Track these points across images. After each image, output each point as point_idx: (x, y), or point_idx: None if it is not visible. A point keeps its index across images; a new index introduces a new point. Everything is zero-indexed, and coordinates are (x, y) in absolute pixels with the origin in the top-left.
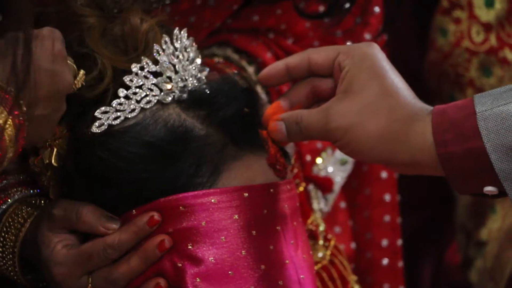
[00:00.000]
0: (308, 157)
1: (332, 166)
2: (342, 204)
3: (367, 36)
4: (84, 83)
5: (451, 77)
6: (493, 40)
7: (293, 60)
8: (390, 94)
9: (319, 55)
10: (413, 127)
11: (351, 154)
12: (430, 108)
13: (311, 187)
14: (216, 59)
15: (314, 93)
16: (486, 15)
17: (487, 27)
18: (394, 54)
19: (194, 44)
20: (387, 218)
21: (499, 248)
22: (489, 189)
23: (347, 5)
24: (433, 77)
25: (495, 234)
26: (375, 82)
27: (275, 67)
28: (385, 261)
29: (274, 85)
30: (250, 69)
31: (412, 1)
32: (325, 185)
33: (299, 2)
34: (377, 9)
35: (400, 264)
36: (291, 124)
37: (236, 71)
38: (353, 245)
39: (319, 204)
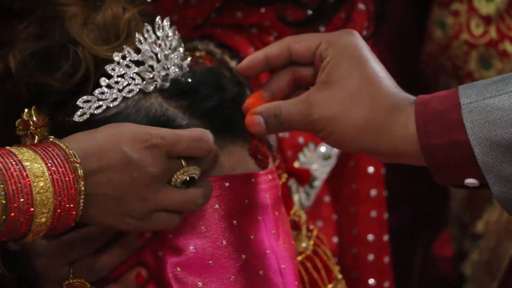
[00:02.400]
0: (289, 153)
1: (315, 161)
2: (326, 198)
3: None
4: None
5: (449, 70)
6: (493, 33)
7: (273, 50)
8: (372, 84)
9: (301, 44)
10: (395, 117)
11: (333, 144)
12: (412, 98)
13: (291, 181)
14: (198, 53)
15: (295, 81)
16: (486, 7)
17: (486, 20)
18: (391, 46)
19: (176, 32)
20: (373, 213)
21: (497, 240)
22: (470, 181)
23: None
24: (430, 70)
25: (492, 226)
26: (357, 71)
27: (255, 58)
28: (371, 256)
29: (253, 76)
30: (233, 64)
31: None
32: (303, 176)
33: (282, 10)
34: (361, 6)
35: (386, 259)
36: (270, 117)
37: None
38: (335, 239)
39: (300, 199)
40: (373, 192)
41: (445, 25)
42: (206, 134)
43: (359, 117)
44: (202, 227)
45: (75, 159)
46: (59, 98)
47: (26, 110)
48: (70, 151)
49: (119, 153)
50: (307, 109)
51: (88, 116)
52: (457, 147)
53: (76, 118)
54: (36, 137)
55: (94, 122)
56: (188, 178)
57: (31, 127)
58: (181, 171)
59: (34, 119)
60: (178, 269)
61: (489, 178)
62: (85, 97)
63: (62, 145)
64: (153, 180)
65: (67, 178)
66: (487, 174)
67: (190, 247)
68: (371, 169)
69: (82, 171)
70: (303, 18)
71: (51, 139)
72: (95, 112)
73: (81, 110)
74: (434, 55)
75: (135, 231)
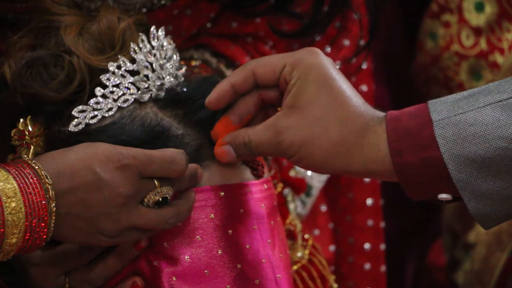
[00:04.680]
0: (285, 162)
1: None
2: (323, 207)
3: (346, 42)
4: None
5: (440, 80)
6: (483, 44)
7: (238, 78)
8: (339, 106)
9: (265, 69)
10: (366, 138)
11: (305, 167)
12: (381, 114)
13: (286, 190)
14: (193, 62)
15: (262, 101)
16: (476, 19)
17: (477, 31)
18: (382, 57)
19: (171, 42)
20: (370, 222)
21: (488, 250)
22: (443, 196)
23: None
24: (421, 80)
25: (483, 236)
26: (323, 94)
27: (221, 89)
28: (367, 265)
29: (223, 107)
30: (228, 73)
31: (399, 4)
32: (298, 185)
33: (276, 21)
34: (355, 15)
35: (383, 268)
36: (239, 146)
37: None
38: (332, 248)
39: (296, 208)
40: (370, 201)
41: (436, 36)
42: (179, 155)
43: (329, 142)
44: (198, 237)
45: (46, 180)
46: (55, 108)
47: (21, 120)
48: (42, 172)
49: (90, 173)
50: (276, 136)
51: (83, 126)
52: (431, 164)
53: (71, 128)
54: (32, 147)
55: (89, 132)
56: (160, 199)
57: (27, 137)
58: (154, 191)
59: (30, 129)
60: (174, 279)
61: (464, 194)
62: (80, 107)
63: (34, 166)
64: (125, 200)
65: (38, 199)
66: (462, 190)
67: (186, 257)
68: (367, 178)
69: (53, 192)
70: (298, 28)
71: (24, 159)
72: (91, 122)
73: (76, 120)
74: (426, 66)
75: (106, 245)
